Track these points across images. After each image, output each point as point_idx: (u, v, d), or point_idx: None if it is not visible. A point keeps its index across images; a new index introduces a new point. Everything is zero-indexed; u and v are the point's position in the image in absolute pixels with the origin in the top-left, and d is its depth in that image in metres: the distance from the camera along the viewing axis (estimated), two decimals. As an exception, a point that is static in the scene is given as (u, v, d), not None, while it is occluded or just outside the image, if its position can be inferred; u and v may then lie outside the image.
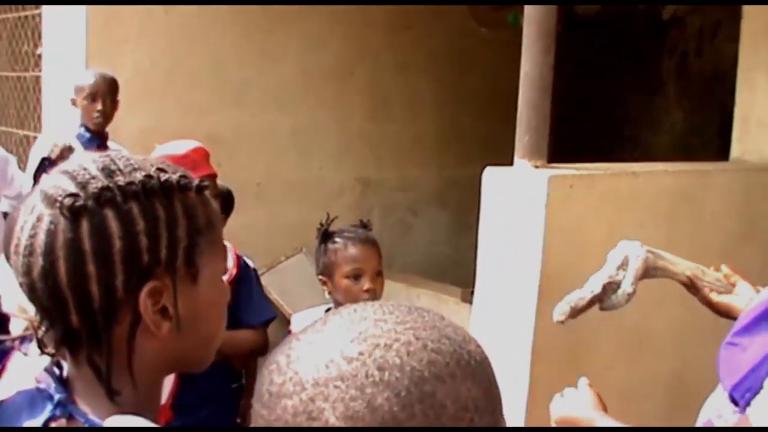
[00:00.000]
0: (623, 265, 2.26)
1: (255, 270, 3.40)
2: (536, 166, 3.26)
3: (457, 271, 6.90)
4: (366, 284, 2.94)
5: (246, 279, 3.25)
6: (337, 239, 3.02)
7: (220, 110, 6.00)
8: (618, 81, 7.70)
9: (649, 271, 2.30)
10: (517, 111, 3.32)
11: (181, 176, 1.19)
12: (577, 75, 7.42)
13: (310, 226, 6.19)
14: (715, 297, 2.22)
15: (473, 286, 5.55)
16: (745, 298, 2.13)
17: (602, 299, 2.29)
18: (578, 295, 2.29)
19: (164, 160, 2.94)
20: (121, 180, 1.14)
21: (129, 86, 5.19)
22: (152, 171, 1.17)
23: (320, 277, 3.03)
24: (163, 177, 1.17)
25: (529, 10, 3.23)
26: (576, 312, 2.32)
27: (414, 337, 0.88)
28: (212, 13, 5.89)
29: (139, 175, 1.15)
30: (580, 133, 7.41)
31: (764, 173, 4.28)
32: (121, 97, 4.92)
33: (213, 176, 3.13)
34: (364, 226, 3.14)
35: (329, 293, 3.03)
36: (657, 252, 2.32)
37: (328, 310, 3.04)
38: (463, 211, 6.99)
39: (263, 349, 3.36)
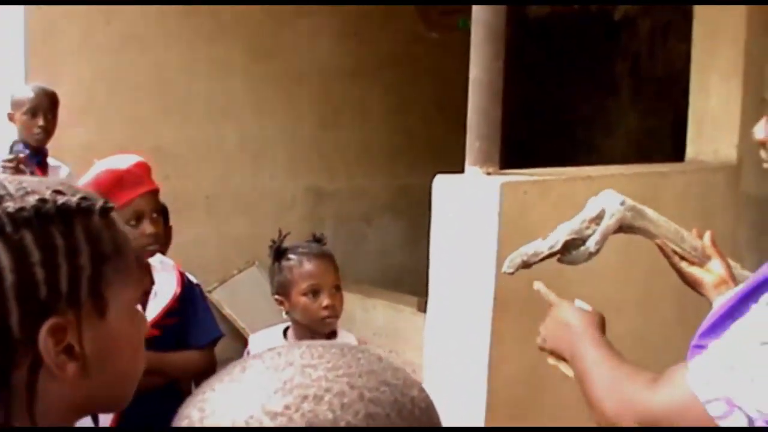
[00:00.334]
0: (596, 219, 2.12)
1: (200, 287, 3.27)
2: (488, 173, 3.16)
3: (412, 280, 6.79)
4: (325, 300, 2.83)
5: (190, 297, 3.11)
6: (292, 256, 2.90)
7: (166, 122, 5.86)
8: (571, 84, 7.65)
9: (623, 229, 2.16)
10: (467, 117, 3.22)
11: (81, 198, 1.06)
12: (528, 78, 7.36)
13: (262, 239, 6.09)
14: (685, 267, 2.11)
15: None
16: (714, 276, 2.05)
17: (562, 253, 2.17)
18: (535, 248, 2.17)
19: (105, 176, 2.85)
20: (10, 206, 1.01)
21: (70, 99, 5.04)
22: (47, 194, 1.04)
23: (276, 296, 2.91)
24: (60, 200, 1.04)
25: (477, 12, 3.13)
26: (528, 265, 2.20)
27: (348, 385, 0.77)
28: (156, 23, 5.75)
29: (31, 200, 1.02)
30: (533, 137, 7.36)
31: (720, 173, 4.24)
32: (63, 110, 4.77)
33: (155, 191, 3.00)
34: (318, 240, 3.02)
35: (286, 313, 2.91)
36: (640, 209, 2.17)
37: (286, 329, 2.93)
38: (417, 219, 6.90)
39: (211, 369, 3.22)
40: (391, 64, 6.80)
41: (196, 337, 3.09)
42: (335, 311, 2.85)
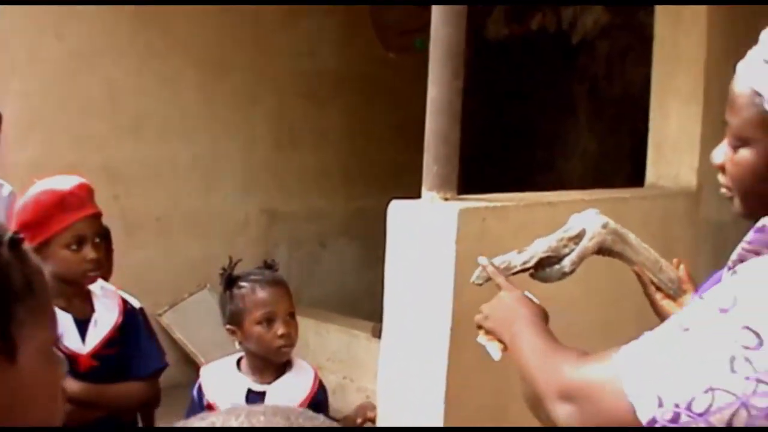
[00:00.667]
0: (576, 238, 2.05)
1: (144, 312, 3.12)
2: (446, 199, 3.07)
3: (368, 304, 6.69)
4: (280, 329, 2.71)
5: (132, 325, 2.97)
6: (243, 284, 2.78)
7: (117, 140, 5.72)
8: (529, 106, 7.60)
9: (602, 252, 2.09)
10: (424, 140, 3.12)
11: None
12: (486, 100, 7.30)
13: (214, 261, 5.94)
14: (659, 299, 2.07)
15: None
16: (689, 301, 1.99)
17: (535, 269, 2.08)
18: (508, 261, 2.08)
19: (46, 198, 2.71)
20: None
21: (17, 116, 4.89)
22: None
23: (228, 326, 2.79)
24: None
25: (436, 31, 3.04)
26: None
27: None
28: (107, 38, 5.61)
29: None
30: (492, 159, 7.30)
31: (680, 199, 4.20)
32: (8, 127, 4.59)
33: (98, 215, 2.87)
34: (269, 266, 2.90)
35: (239, 343, 2.78)
36: (622, 234, 2.10)
37: (239, 360, 2.81)
38: (373, 242, 6.78)
39: (153, 401, 3.09)
40: (348, 85, 6.71)
41: (138, 367, 2.95)
42: (290, 340, 2.73)
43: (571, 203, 3.39)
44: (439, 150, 3.07)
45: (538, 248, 2.07)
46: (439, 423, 2.95)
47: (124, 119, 5.73)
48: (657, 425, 1.38)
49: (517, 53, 7.45)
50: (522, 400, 3.10)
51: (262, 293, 2.74)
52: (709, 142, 4.31)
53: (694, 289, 2.05)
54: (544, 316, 1.89)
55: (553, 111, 7.60)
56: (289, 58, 6.42)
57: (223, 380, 2.77)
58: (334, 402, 2.97)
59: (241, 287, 2.76)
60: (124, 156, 5.70)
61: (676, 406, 1.36)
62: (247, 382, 2.74)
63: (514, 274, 2.07)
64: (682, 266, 2.12)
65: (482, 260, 2.08)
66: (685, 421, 1.36)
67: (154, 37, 5.72)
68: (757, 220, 1.51)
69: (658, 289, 2.08)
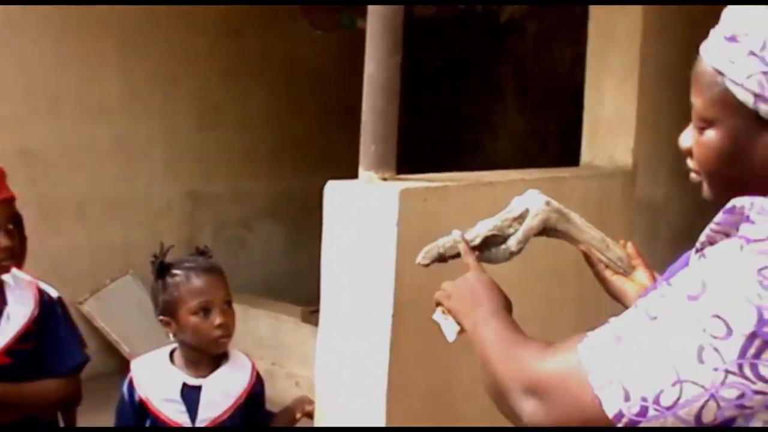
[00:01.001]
0: (519, 218, 1.99)
1: (62, 302, 2.92)
2: (384, 179, 2.95)
3: (295, 288, 6.61)
4: (217, 319, 2.57)
5: (50, 318, 2.79)
6: (177, 271, 2.63)
7: (34, 122, 5.49)
8: (456, 85, 7.54)
9: (547, 232, 2.03)
10: (361, 118, 3.00)
11: None
12: (413, 78, 7.20)
13: (136, 246, 5.86)
14: (609, 275, 1.99)
15: (313, 305, 5.30)
16: (640, 287, 1.93)
17: (481, 250, 2.00)
18: (453, 239, 2.00)
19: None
20: None
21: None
22: None
23: (161, 317, 2.63)
24: None
25: (372, 5, 2.92)
26: (446, 258, 2.04)
27: None
28: (23, 17, 5.38)
29: None
30: (418, 139, 7.21)
31: (617, 179, 4.15)
32: None
33: (11, 200, 2.69)
34: (203, 252, 2.75)
35: (173, 335, 2.63)
36: (566, 213, 2.04)
37: (172, 352, 2.67)
38: (300, 224, 6.73)
39: (74, 399, 2.92)
40: (273, 64, 6.57)
41: (56, 363, 2.79)
42: (228, 330, 2.60)
43: (511, 183, 3.31)
44: (377, 129, 2.95)
45: (482, 227, 2.00)
46: (381, 410, 2.84)
47: (42, 100, 5.51)
48: (623, 420, 1.32)
49: (444, 32, 7.36)
50: (464, 386, 3.02)
51: (197, 281, 2.59)
52: (644, 122, 4.28)
53: (644, 265, 2.00)
54: (508, 307, 1.82)
55: (480, 91, 7.54)
56: (211, 37, 6.24)
57: (156, 374, 2.63)
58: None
59: (174, 275, 2.61)
60: (42, 138, 5.49)
61: (643, 399, 1.31)
62: (182, 376, 2.61)
63: (460, 255, 1.99)
64: (629, 244, 2.06)
65: (456, 234, 2.01)
66: (652, 415, 1.30)
67: (72, 14, 5.49)
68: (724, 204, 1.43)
69: (607, 267, 2.01)
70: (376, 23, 2.92)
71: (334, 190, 2.93)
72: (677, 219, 4.79)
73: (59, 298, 2.90)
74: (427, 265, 2.04)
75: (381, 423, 2.85)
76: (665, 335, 1.32)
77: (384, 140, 2.97)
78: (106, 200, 5.78)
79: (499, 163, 7.02)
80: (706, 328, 1.28)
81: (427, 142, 7.16)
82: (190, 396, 2.58)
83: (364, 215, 2.86)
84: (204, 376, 2.61)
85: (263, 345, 5.52)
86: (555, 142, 7.05)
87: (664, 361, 1.30)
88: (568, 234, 2.05)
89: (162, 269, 2.63)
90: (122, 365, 5.47)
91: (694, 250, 1.45)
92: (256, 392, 2.68)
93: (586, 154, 4.35)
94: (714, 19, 1.48)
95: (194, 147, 6.26)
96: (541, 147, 7.13)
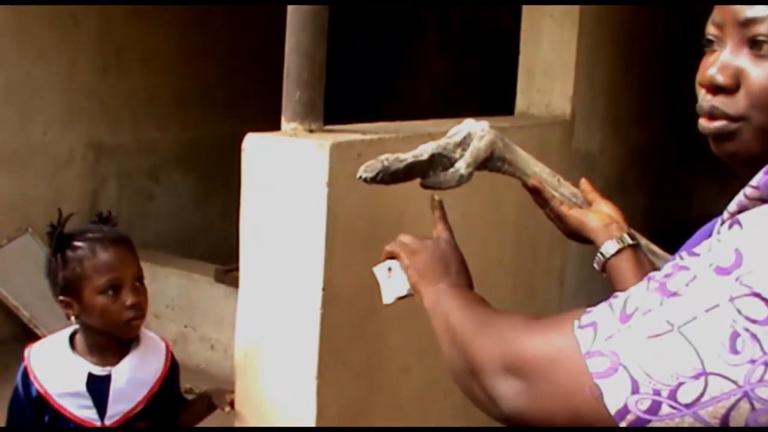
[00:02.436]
0: (463, 144, 1.76)
1: None
2: (311, 131, 2.64)
3: (207, 242, 6.34)
4: (129, 298, 2.23)
5: None
6: (79, 243, 2.25)
7: None
8: (372, 28, 7.20)
9: (494, 161, 1.79)
10: (284, 61, 2.66)
11: None
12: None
13: (35, 202, 5.45)
14: (567, 210, 1.76)
15: (227, 263, 4.98)
16: (601, 216, 1.72)
17: (426, 173, 1.73)
18: (397, 155, 1.72)
19: None
20: None
21: None
22: None
23: (61, 297, 2.26)
24: None
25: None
26: (388, 175, 1.72)
27: None
28: None
29: None
30: (333, 85, 6.88)
31: (556, 128, 3.93)
32: None
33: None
34: (106, 220, 2.38)
35: (75, 317, 2.27)
36: (509, 143, 1.83)
37: (73, 335, 2.31)
38: (210, 174, 6.42)
39: None
40: (180, 3, 6.12)
41: None
42: (141, 310, 2.26)
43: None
44: (302, 73, 2.64)
45: (426, 146, 1.74)
46: (312, 387, 2.57)
47: (-77, 41, 5.02)
48: (627, 417, 1.06)
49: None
50: (400, 361, 2.75)
51: (104, 255, 2.23)
52: (583, 69, 4.04)
53: (602, 197, 1.78)
54: (470, 283, 1.58)
55: (398, 34, 7.23)
56: (113, -28, 5.79)
57: (56, 364, 2.27)
58: (176, 354, 2.51)
59: (76, 249, 2.24)
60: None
61: (656, 393, 1.04)
62: (86, 365, 2.25)
63: (407, 169, 1.72)
64: (582, 180, 1.83)
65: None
66: (666, 413, 1.04)
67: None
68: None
69: (561, 203, 1.79)
70: (302, -47, 2.59)
71: (253, 144, 2.61)
72: (609, 170, 4.60)
73: None
74: (369, 181, 1.73)
75: (311, 400, 2.58)
76: (687, 315, 1.05)
77: (310, 86, 2.67)
78: (0, 152, 5.33)
79: (419, 109, 6.74)
80: (741, 309, 1.02)
81: (341, 88, 6.83)
82: (98, 388, 2.24)
83: (288, 173, 2.54)
84: (112, 364, 2.27)
85: (174, 306, 5.20)
86: (479, 87, 6.78)
87: (686, 347, 1.04)
88: (516, 165, 1.82)
89: (61, 241, 2.25)
90: (22, 332, 5.09)
91: (719, 220, 1.20)
92: (170, 377, 2.35)
93: (520, 103, 4.12)
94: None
95: (96, 93, 5.84)
96: (464, 93, 6.84)
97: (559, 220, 1.78)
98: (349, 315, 2.61)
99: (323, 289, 2.49)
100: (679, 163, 5.60)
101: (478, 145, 1.76)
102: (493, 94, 4.93)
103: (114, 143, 5.98)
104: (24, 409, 2.24)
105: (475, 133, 1.77)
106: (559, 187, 1.80)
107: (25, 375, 2.25)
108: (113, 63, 5.91)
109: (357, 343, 2.70)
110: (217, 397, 2.48)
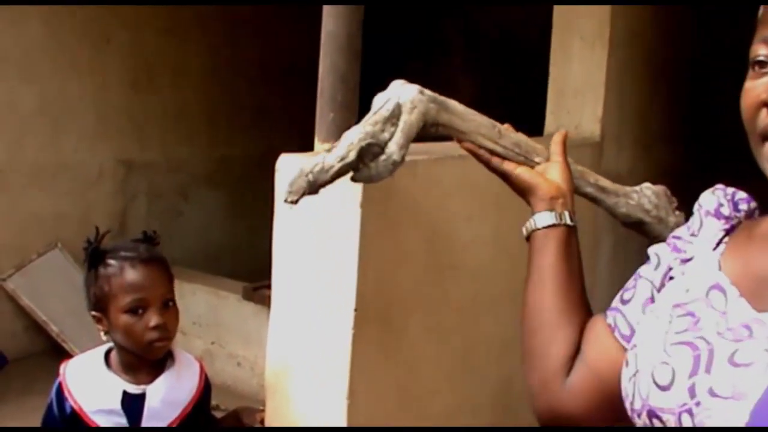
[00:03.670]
0: (392, 119, 1.57)
1: None
2: (344, 151, 2.63)
3: (234, 260, 6.34)
4: (153, 319, 2.22)
5: None
6: (111, 261, 2.26)
7: (-53, 81, 5.07)
8: (401, 47, 7.21)
9: (426, 129, 1.62)
10: (318, 82, 2.68)
11: None
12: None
13: (65, 218, 5.47)
14: (512, 168, 1.61)
15: (255, 280, 4.99)
16: (549, 185, 1.56)
17: (357, 167, 1.57)
18: (322, 162, 1.53)
19: None
20: None
21: None
22: None
23: (93, 313, 2.28)
24: None
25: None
26: (317, 187, 1.55)
27: None
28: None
29: None
30: (364, 106, 6.89)
31: (586, 149, 3.93)
32: None
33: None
34: (149, 239, 2.39)
35: (105, 333, 2.28)
36: (443, 101, 1.65)
37: (108, 352, 2.32)
38: (239, 192, 6.43)
39: None
40: (211, 21, 6.18)
41: None
42: (166, 332, 2.25)
43: (481, 156, 3.02)
44: (336, 93, 2.65)
45: (350, 139, 1.56)
46: (342, 407, 2.57)
47: (-43, 57, 5.07)
48: None
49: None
50: (430, 382, 2.74)
51: (131, 275, 2.23)
52: (613, 89, 4.03)
53: (563, 160, 1.63)
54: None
55: (425, 53, 7.23)
56: (145, -9, 5.83)
57: (92, 381, 2.27)
58: (202, 371, 2.53)
59: (107, 266, 2.26)
60: (-44, 98, 5.06)
61: None
62: (121, 383, 2.26)
63: (335, 177, 1.55)
64: (558, 132, 1.70)
65: (324, 158, 1.54)
66: None
67: (-11, -39, 5.06)
68: None
69: (505, 159, 1.63)
70: (336, -25, 2.61)
71: (287, 165, 2.61)
72: (638, 191, 4.57)
73: None
74: (296, 202, 1.56)
75: (342, 420, 2.58)
76: None
77: (344, 107, 2.67)
78: (30, 168, 5.36)
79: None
80: None
81: (369, 109, 6.84)
82: (132, 406, 2.23)
83: (322, 193, 2.54)
84: (146, 383, 2.27)
85: (201, 323, 5.21)
86: (505, 107, 6.77)
87: None
88: (451, 126, 1.65)
89: (96, 257, 2.27)
90: (51, 347, 5.12)
91: None
92: (203, 398, 2.36)
93: (550, 123, 4.10)
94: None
95: (126, 110, 5.86)
96: (491, 112, 6.83)
97: (504, 179, 1.65)
98: (380, 335, 2.61)
99: (355, 309, 2.50)
100: (707, 183, 5.56)
101: (409, 119, 1.59)
102: (521, 114, 4.92)
103: (144, 160, 6.00)
104: (58, 425, 2.25)
105: (404, 104, 1.59)
106: (499, 139, 1.65)
107: (60, 391, 2.26)
108: (144, 80, 5.94)
109: (388, 363, 2.70)
110: (247, 415, 2.48)
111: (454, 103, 1.66)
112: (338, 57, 2.62)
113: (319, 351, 2.59)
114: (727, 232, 1.27)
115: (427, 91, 1.62)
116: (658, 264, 1.30)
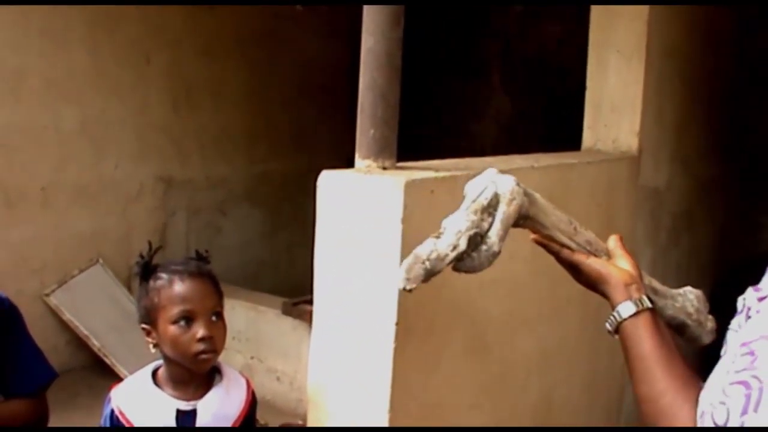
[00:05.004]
0: (489, 208, 1.61)
1: (17, 311, 2.57)
2: (384, 168, 2.66)
3: (273, 275, 6.39)
4: (200, 331, 2.25)
5: (10, 329, 2.47)
6: (162, 275, 2.30)
7: (-6, 103, 5.15)
8: (438, 65, 7.24)
9: (518, 221, 1.67)
10: (359, 98, 2.70)
11: None
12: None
13: (106, 234, 5.55)
14: (584, 259, 1.66)
15: (294, 296, 5.03)
16: (622, 272, 1.61)
17: (462, 257, 1.60)
18: (437, 251, 1.58)
19: None
20: None
21: None
22: None
23: (143, 325, 2.31)
24: None
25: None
26: (432, 275, 1.59)
27: None
28: (-21, -14, 5.02)
29: None
30: (402, 123, 6.93)
31: (623, 164, 3.91)
32: None
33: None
34: (201, 257, 2.42)
35: (154, 346, 2.32)
36: (531, 194, 1.69)
37: (155, 371, 2.36)
38: (277, 209, 6.48)
39: (43, 418, 2.59)
40: (249, 41, 6.27)
41: (21, 383, 2.47)
42: (213, 345, 2.27)
43: (520, 170, 3.04)
44: (377, 111, 2.66)
45: (458, 226, 1.60)
46: (384, 419, 2.59)
47: (2, 78, 5.16)
48: None
49: (428, 9, 7.05)
50: (469, 398, 2.74)
51: (179, 287, 2.27)
52: (650, 104, 4.03)
53: (626, 253, 1.67)
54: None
55: (463, 72, 7.26)
56: (186, 11, 5.90)
57: (144, 402, 2.29)
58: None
59: (157, 279, 2.30)
60: (2, 120, 5.15)
61: None
62: (173, 401, 2.28)
63: (448, 264, 1.60)
64: (613, 236, 1.74)
65: (434, 243, 1.60)
66: None
67: (33, -13, 5.15)
68: None
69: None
70: (376, -6, 2.63)
71: (329, 181, 2.64)
72: (676, 206, 4.57)
73: (7, 301, 2.56)
74: (411, 290, 1.61)
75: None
76: None
77: (384, 123, 2.69)
78: (73, 186, 5.46)
79: (484, 145, 6.76)
80: None
81: (410, 127, 6.88)
82: (184, 423, 2.26)
83: (363, 210, 2.57)
84: (196, 398, 2.29)
85: (241, 338, 5.26)
86: (543, 124, 6.79)
87: None
88: (536, 220, 1.69)
89: (147, 271, 2.32)
90: (92, 361, 5.18)
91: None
92: (251, 414, 2.38)
93: (588, 138, 4.10)
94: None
95: (166, 129, 5.95)
96: (528, 129, 6.85)
97: (572, 268, 1.70)
98: (421, 350, 2.62)
99: (397, 324, 2.51)
100: (744, 200, 5.54)
101: (508, 210, 1.62)
102: (557, 130, 4.94)
103: (183, 178, 6.08)
104: None
105: (503, 195, 1.62)
106: (575, 236, 1.71)
107: (113, 418, 2.28)
108: (183, 100, 6.03)
109: (429, 378, 2.71)
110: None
111: (539, 197, 1.70)
112: (378, 74, 2.64)
113: (361, 366, 2.61)
114: None
115: (520, 184, 1.65)
116: (743, 308, 1.28)
